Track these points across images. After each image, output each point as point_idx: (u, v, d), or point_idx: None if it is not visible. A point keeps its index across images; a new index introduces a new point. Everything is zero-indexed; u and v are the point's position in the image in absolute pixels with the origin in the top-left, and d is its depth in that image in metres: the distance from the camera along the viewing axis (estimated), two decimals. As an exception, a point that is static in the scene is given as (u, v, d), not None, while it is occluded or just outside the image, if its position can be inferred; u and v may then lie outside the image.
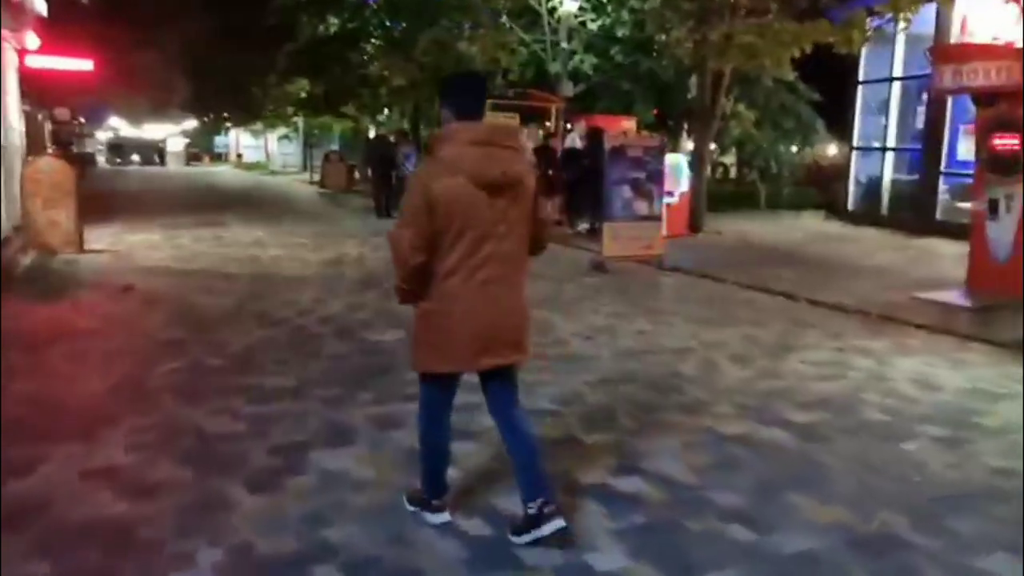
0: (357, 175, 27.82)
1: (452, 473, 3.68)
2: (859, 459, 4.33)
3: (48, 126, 30.17)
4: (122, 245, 12.16)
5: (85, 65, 16.04)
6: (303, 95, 26.18)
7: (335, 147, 33.50)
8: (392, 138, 19.53)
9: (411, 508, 3.57)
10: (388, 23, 20.10)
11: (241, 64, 30.94)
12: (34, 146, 27.73)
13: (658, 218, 11.10)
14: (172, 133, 67.30)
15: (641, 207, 10.89)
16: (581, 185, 14.50)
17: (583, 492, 3.83)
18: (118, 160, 52.97)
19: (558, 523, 3.25)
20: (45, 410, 4.87)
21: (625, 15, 17.32)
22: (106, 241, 12.41)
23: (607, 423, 4.85)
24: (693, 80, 16.15)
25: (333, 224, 16.17)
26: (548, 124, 17.83)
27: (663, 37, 15.15)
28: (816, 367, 6.12)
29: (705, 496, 3.84)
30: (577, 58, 17.98)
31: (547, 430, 4.59)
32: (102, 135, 59.94)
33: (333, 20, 22.39)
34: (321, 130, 35.42)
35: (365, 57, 20.77)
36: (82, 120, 40.61)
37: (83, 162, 41.31)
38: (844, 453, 4.42)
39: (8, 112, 12.98)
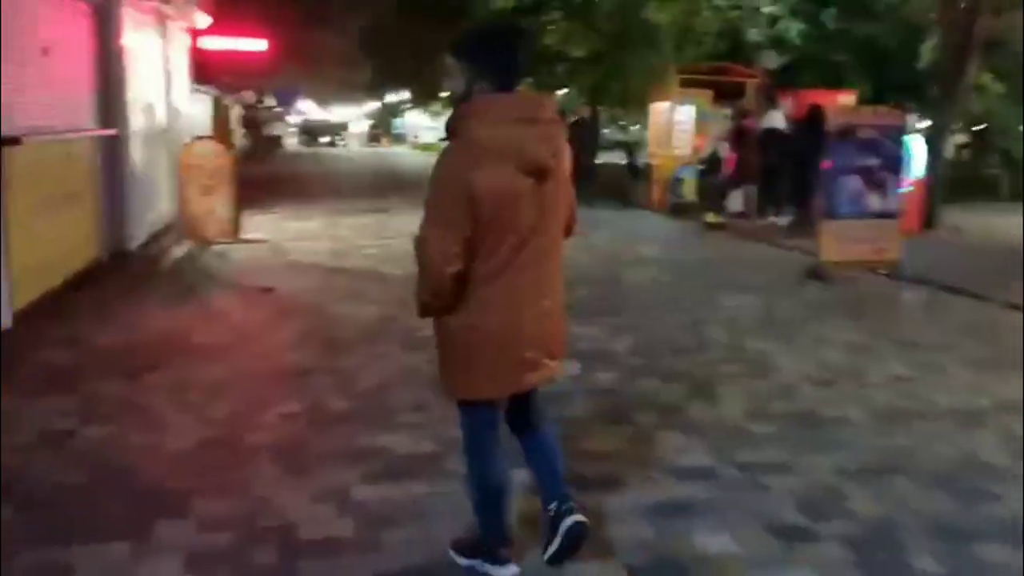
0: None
1: None
2: None
3: (238, 109, 30.93)
4: (280, 234, 11.38)
5: (259, 45, 15.53)
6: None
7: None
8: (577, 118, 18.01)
9: (464, 561, 2.92)
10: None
11: (418, 43, 30.41)
12: (221, 129, 28.62)
13: (895, 215, 8.94)
14: (356, 115, 69.49)
15: (873, 201, 8.79)
16: (781, 171, 12.44)
17: None
18: (304, 142, 54.66)
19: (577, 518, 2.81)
20: (102, 478, 3.71)
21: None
22: (265, 229, 11.69)
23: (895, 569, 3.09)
24: (927, 46, 13.54)
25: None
26: (742, 102, 15.71)
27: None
28: None
29: None
30: (781, 24, 15.67)
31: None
32: (294, 118, 62.52)
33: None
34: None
35: (541, 29, 19.26)
36: (271, 103, 41.94)
37: (270, 144, 42.94)
38: None
39: (174, 94, 12.54)
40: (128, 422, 4.37)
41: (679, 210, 14.61)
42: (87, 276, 7.84)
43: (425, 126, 53.27)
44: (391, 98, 53.16)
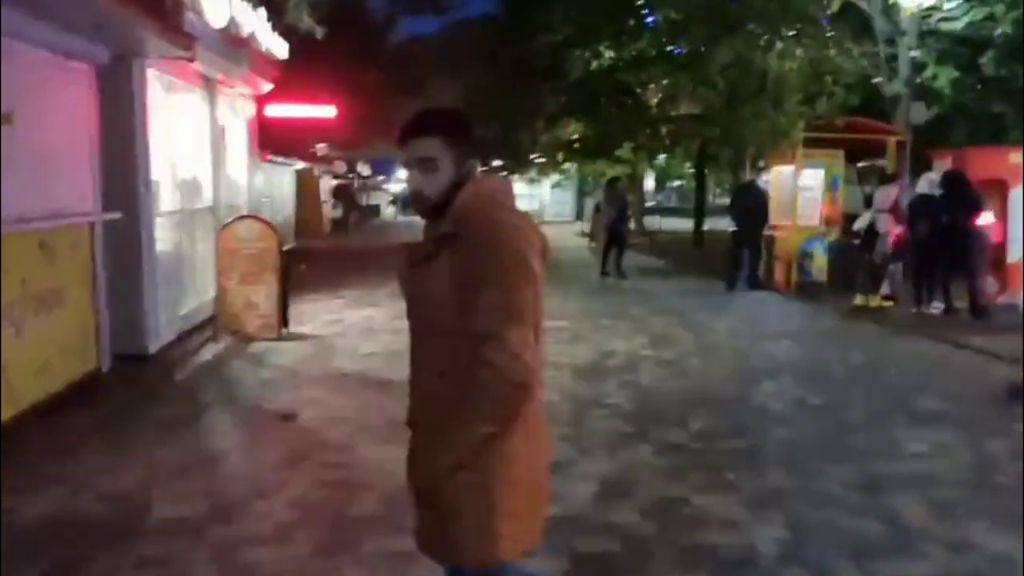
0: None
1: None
2: None
3: (327, 180, 30.28)
4: (334, 327, 9.73)
5: (327, 112, 14.27)
6: (574, 139, 23.52)
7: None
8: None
9: None
10: (671, 48, 16.51)
11: (511, 109, 29.29)
12: (310, 201, 27.93)
13: None
14: (455, 184, 69.14)
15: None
16: (936, 248, 10.10)
17: None
18: (402, 211, 54.41)
19: None
20: None
21: (1002, 6, 12.43)
22: (319, 321, 10.09)
23: None
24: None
25: (603, 295, 12.87)
26: (880, 163, 13.42)
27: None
28: None
29: None
30: (929, 72, 13.36)
31: None
32: (395, 187, 62.66)
33: (607, 53, 19.34)
34: (595, 177, 32.71)
35: (642, 90, 17.49)
36: (365, 173, 41.60)
37: (367, 214, 42.50)
38: None
39: (230, 168, 11.24)
40: None
41: (807, 291, 12.34)
42: (78, 391, 6.29)
43: (522, 193, 52.12)
44: (488, 166, 52.43)
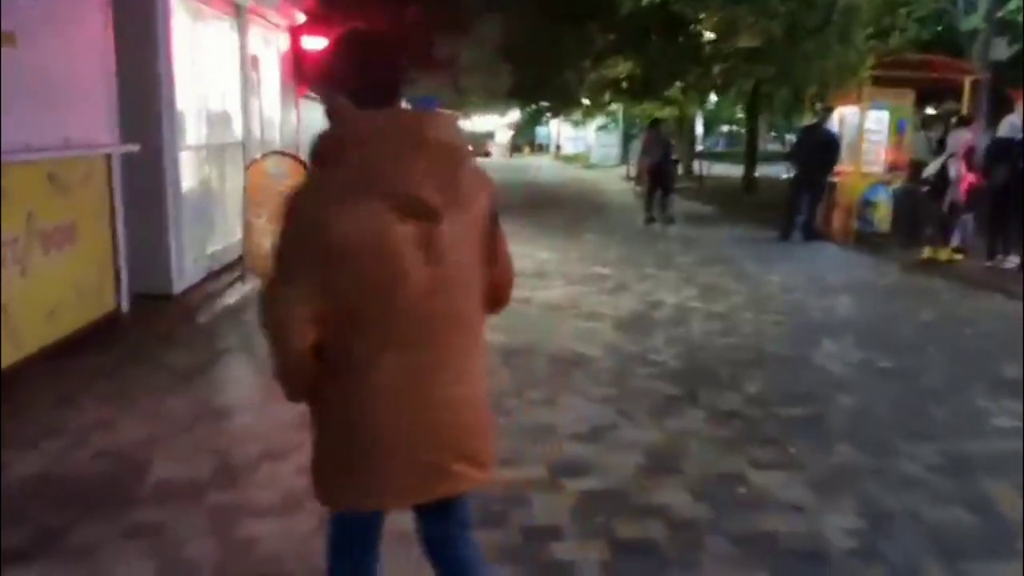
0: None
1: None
2: None
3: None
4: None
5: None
6: (622, 78, 22.53)
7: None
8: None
9: None
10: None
11: (559, 48, 28.27)
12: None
13: None
14: (499, 125, 68.25)
15: None
16: (1014, 197, 9.31)
17: None
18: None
19: None
20: None
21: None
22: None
23: None
24: None
25: (648, 242, 12.24)
26: (952, 106, 12.47)
27: None
28: None
29: None
30: (1011, 4, 12.27)
31: None
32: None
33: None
34: (642, 119, 31.65)
35: (697, 23, 16.42)
36: (407, 113, 40.81)
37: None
38: None
39: (262, 102, 10.78)
40: None
41: (868, 242, 11.60)
42: (94, 333, 5.97)
43: (568, 135, 51.09)
44: (533, 107, 51.42)
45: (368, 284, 1.82)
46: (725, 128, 52.16)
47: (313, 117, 18.93)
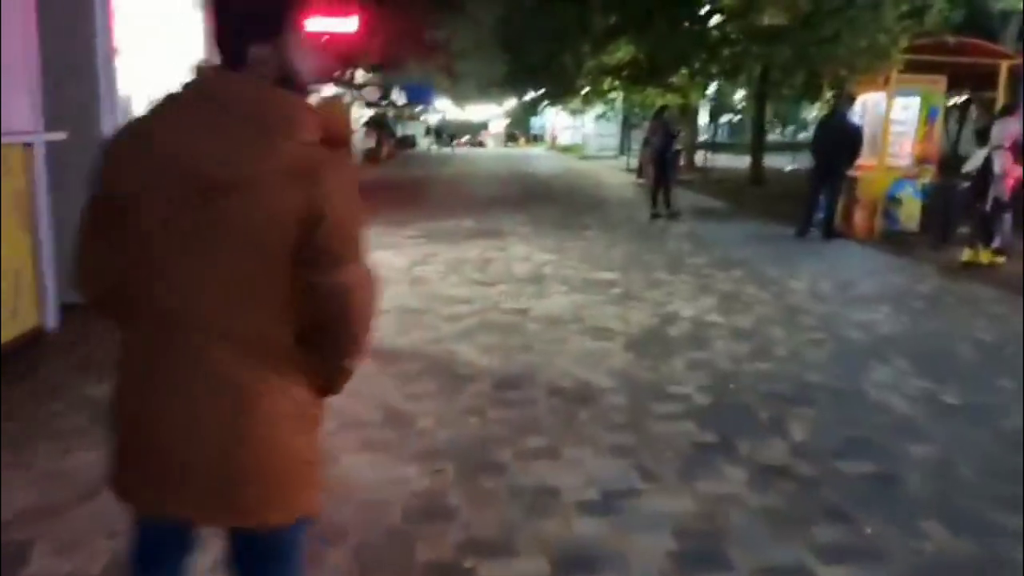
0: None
1: None
2: None
3: (357, 108, 28.67)
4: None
5: (348, 25, 12.63)
6: (623, 64, 21.48)
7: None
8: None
9: None
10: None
11: (554, 33, 27.20)
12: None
13: None
14: (495, 114, 67.11)
15: None
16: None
17: None
18: (437, 142, 52.73)
19: None
20: None
21: None
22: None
23: None
24: None
25: (655, 241, 11.25)
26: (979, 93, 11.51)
27: None
28: None
29: None
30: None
31: None
32: (431, 117, 60.84)
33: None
34: (642, 108, 30.54)
35: (704, 5, 15.39)
36: (400, 101, 39.83)
37: (401, 145, 40.83)
38: None
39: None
40: None
41: (894, 241, 10.66)
42: (11, 355, 4.99)
43: (564, 125, 50.02)
44: (529, 95, 50.37)
45: (142, 260, 1.63)
46: (725, 118, 51.20)
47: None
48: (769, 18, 12.58)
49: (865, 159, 11.26)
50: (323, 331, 1.63)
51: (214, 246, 1.55)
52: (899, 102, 11.12)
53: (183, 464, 1.64)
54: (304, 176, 1.54)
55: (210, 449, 1.62)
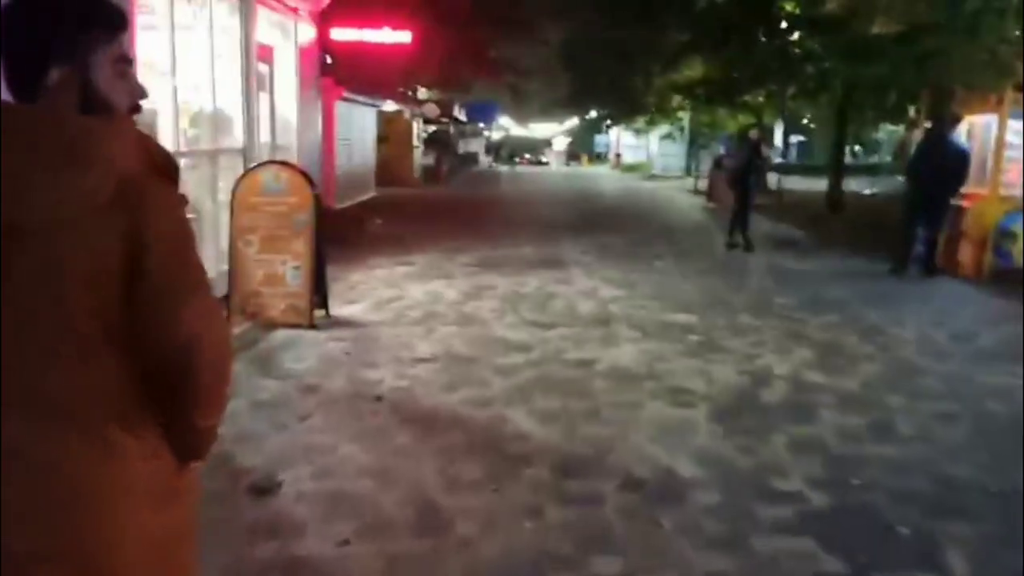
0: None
1: None
2: None
3: (418, 125, 28.12)
4: (388, 309, 7.50)
5: (401, 37, 11.93)
6: (695, 82, 20.44)
7: (723, 149, 27.24)
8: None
9: None
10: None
11: (623, 53, 26.30)
12: (399, 147, 25.83)
13: None
14: (557, 132, 66.37)
15: None
16: None
17: None
18: (499, 160, 52.28)
19: None
20: None
21: None
22: (372, 298, 7.90)
23: None
24: None
25: (734, 275, 10.17)
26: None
27: None
28: None
29: None
30: None
31: None
32: (495, 135, 60.51)
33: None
34: (711, 128, 29.38)
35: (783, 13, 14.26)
36: (462, 118, 39.34)
37: (464, 163, 40.27)
38: None
39: (275, 101, 9.08)
40: None
41: (1007, 281, 9.40)
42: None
43: (628, 144, 48.95)
44: (592, 114, 49.53)
45: None
46: (793, 139, 49.51)
47: (350, 122, 17.39)
48: (879, 27, 11.34)
49: (974, 187, 10.05)
50: (170, 387, 1.44)
51: (12, 300, 1.38)
52: (1013, 125, 9.91)
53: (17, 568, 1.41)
54: (118, 208, 1.39)
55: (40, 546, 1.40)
